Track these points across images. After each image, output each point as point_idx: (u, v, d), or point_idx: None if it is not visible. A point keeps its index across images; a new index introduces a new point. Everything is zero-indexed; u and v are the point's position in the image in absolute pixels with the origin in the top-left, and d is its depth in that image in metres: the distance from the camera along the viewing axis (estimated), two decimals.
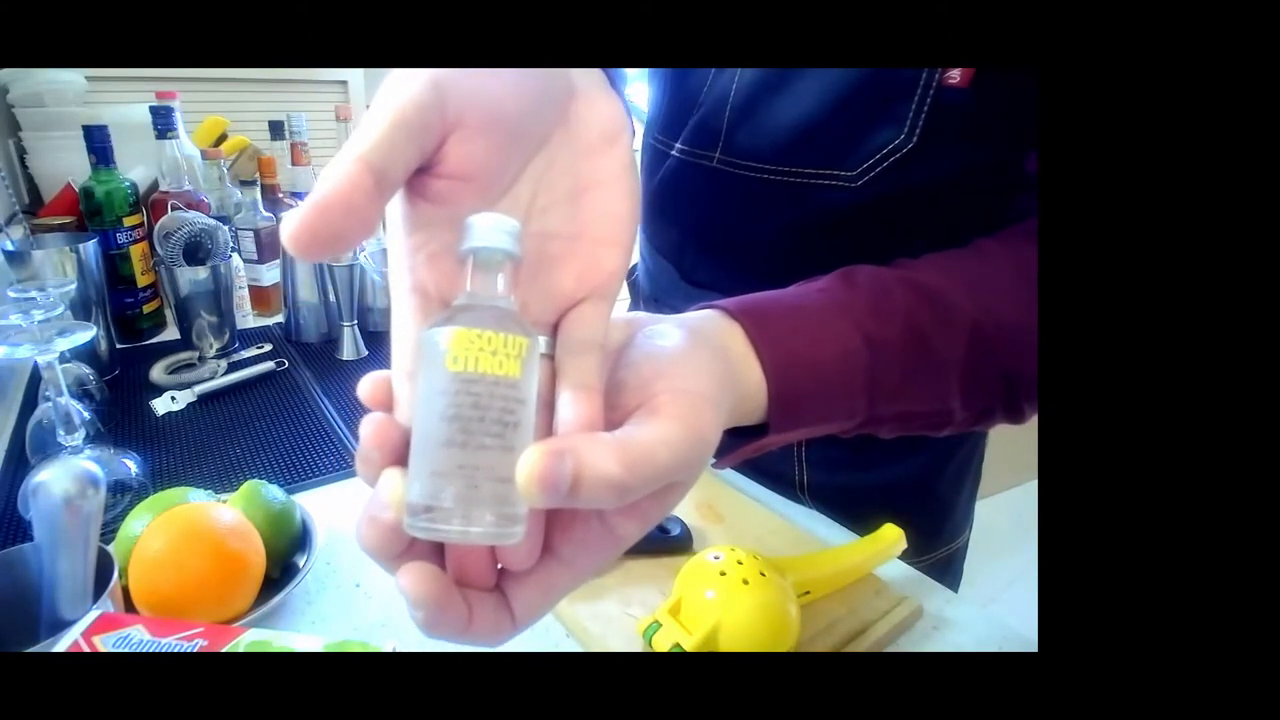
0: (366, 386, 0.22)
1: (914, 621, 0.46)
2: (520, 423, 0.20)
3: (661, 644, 0.39)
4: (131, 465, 0.59)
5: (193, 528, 0.43)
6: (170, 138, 0.91)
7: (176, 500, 0.47)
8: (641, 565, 0.48)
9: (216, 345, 0.87)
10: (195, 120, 1.24)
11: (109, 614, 0.32)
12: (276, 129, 1.18)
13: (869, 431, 0.36)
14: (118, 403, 0.74)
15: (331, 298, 0.92)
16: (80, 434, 0.56)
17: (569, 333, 0.23)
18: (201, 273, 0.83)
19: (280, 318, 0.99)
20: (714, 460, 0.25)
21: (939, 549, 0.62)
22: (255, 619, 0.43)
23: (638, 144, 0.47)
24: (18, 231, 0.85)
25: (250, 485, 0.50)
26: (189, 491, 0.50)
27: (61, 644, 0.30)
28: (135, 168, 1.00)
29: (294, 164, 1.06)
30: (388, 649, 0.32)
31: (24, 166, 1.15)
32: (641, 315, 0.29)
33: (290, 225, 0.18)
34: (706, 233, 0.54)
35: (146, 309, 0.92)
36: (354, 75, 1.61)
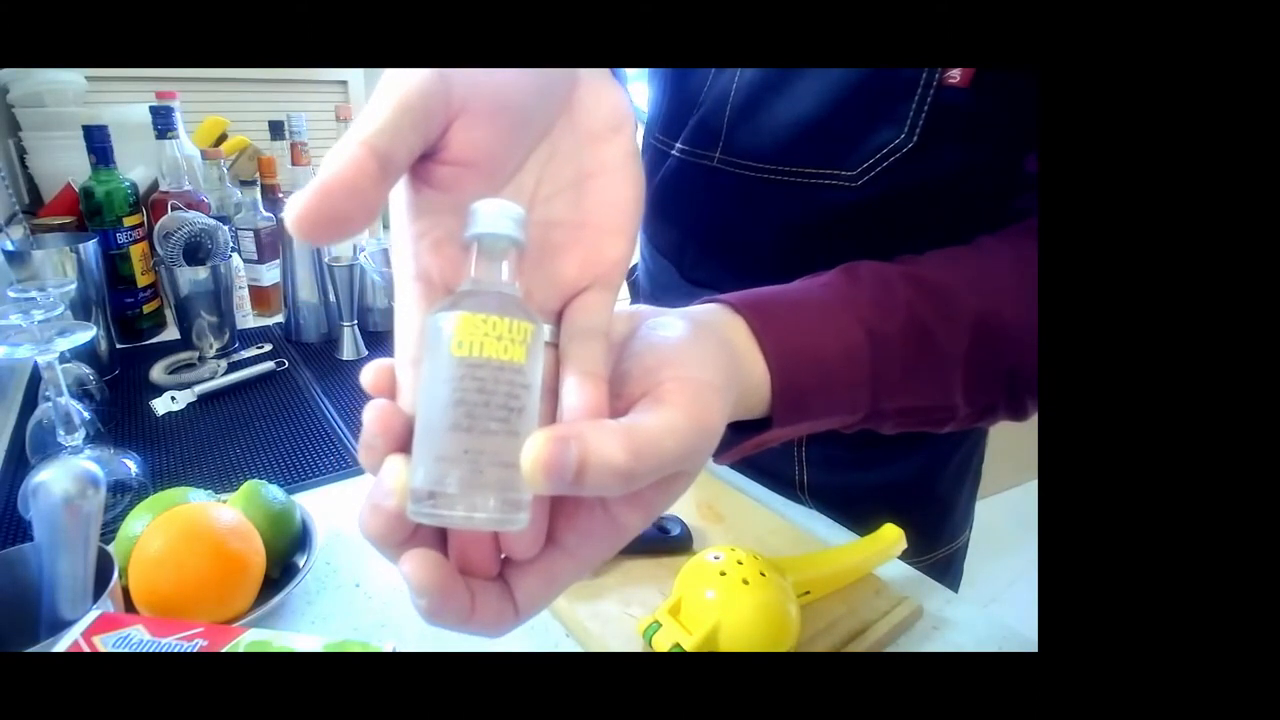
0: (370, 374, 0.22)
1: (914, 621, 0.46)
2: (525, 408, 0.20)
3: (661, 644, 0.39)
4: (131, 465, 0.59)
5: (193, 528, 0.43)
6: (170, 138, 0.91)
7: (176, 500, 0.47)
8: (641, 565, 0.48)
9: (216, 345, 0.87)
10: (195, 120, 1.24)
11: (109, 614, 0.32)
12: (276, 129, 1.18)
13: (871, 427, 0.36)
14: (118, 403, 0.74)
15: (331, 298, 0.92)
16: (80, 434, 0.56)
17: (573, 320, 0.23)
18: (201, 273, 0.84)
19: (280, 318, 0.99)
20: (714, 456, 0.25)
21: (939, 549, 0.62)
22: (255, 619, 0.43)
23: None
24: (18, 231, 0.86)
25: (250, 485, 0.50)
26: (189, 491, 0.50)
27: (61, 644, 0.30)
28: (135, 168, 1.00)
29: (294, 164, 1.06)
30: (388, 649, 0.32)
31: (24, 166, 1.15)
32: (645, 308, 0.29)
33: (294, 209, 0.18)
34: (707, 232, 0.54)
35: (146, 309, 0.92)
36: (354, 75, 1.61)
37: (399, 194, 0.22)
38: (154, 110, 0.89)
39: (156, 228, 0.84)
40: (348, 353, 0.90)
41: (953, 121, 0.41)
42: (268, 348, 0.90)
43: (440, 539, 0.22)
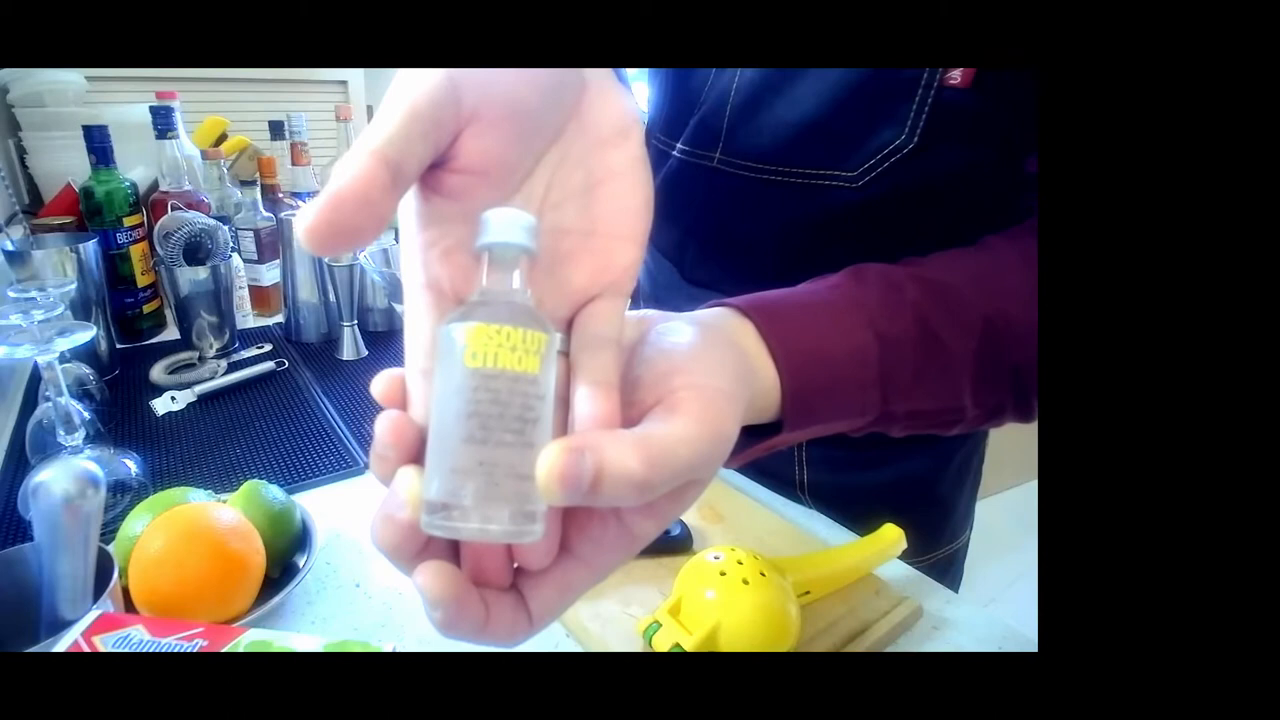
0: (380, 384, 0.22)
1: (914, 621, 0.46)
2: (540, 419, 0.19)
3: (661, 644, 0.39)
4: (131, 465, 0.59)
5: (193, 528, 0.43)
6: (170, 138, 0.91)
7: (176, 500, 0.47)
8: (641, 565, 0.48)
9: (216, 345, 0.87)
10: (195, 120, 1.24)
11: (109, 614, 0.32)
12: (276, 129, 1.18)
13: (881, 429, 0.36)
14: (118, 403, 0.74)
15: (331, 298, 0.92)
16: (80, 434, 0.56)
17: (584, 329, 0.23)
18: (201, 273, 0.84)
19: (280, 318, 0.99)
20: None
21: (939, 549, 0.62)
22: (255, 619, 0.43)
23: None
24: (18, 231, 0.86)
25: (250, 485, 0.50)
26: (189, 491, 0.50)
27: (61, 644, 0.30)
28: (135, 168, 1.00)
29: (294, 164, 1.06)
30: (388, 649, 0.32)
31: (24, 166, 1.15)
32: (653, 313, 0.28)
33: (305, 220, 0.18)
34: (707, 233, 0.54)
35: (146, 309, 0.92)
36: (354, 75, 1.61)
37: (408, 202, 0.22)
38: (154, 110, 0.89)
39: (156, 228, 0.84)
40: (348, 353, 0.90)
41: (953, 122, 0.41)
42: (268, 348, 0.90)
43: (453, 550, 0.22)
